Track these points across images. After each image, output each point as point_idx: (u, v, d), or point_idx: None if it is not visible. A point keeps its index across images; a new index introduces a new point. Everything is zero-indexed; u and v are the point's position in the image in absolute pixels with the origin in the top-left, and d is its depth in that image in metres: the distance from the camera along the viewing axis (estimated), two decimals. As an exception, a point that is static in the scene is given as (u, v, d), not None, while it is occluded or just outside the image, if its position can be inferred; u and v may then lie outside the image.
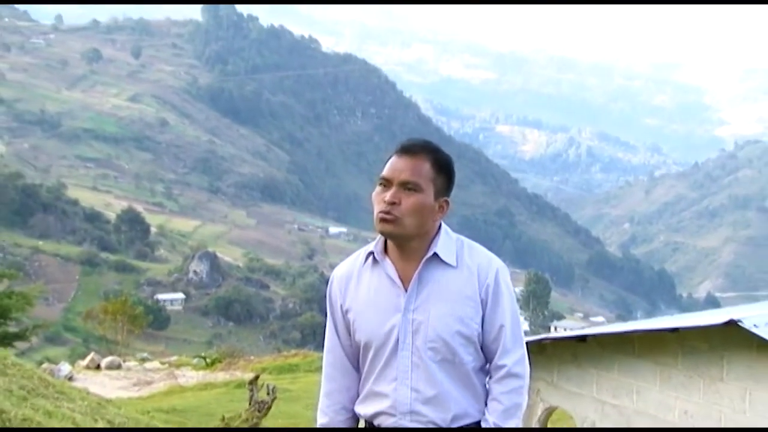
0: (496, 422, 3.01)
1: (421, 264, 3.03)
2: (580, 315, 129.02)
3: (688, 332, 7.25)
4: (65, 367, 26.89)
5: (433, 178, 3.03)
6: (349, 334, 3.18)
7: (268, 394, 14.81)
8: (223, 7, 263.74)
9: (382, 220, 2.97)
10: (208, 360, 32.69)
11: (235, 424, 14.01)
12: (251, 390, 14.91)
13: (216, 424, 14.46)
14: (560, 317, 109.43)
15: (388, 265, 3.08)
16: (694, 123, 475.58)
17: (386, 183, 3.01)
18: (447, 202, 3.10)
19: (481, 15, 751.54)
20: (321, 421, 3.26)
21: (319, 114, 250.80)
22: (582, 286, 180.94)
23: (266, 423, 14.52)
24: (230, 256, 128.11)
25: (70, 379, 22.89)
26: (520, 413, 3.09)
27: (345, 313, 3.17)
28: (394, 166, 3.03)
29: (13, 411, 7.08)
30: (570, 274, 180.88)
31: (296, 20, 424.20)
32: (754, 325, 6.39)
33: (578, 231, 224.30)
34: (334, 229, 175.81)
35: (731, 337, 6.74)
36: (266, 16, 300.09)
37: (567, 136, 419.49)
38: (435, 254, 3.03)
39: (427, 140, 3.15)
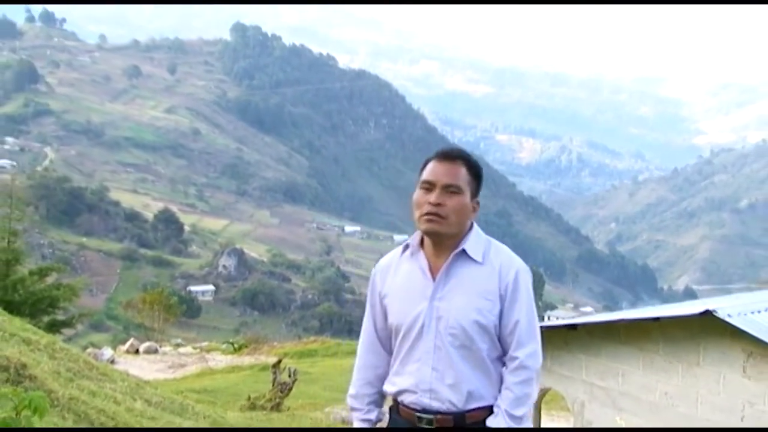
0: (507, 409, 3.00)
1: (450, 258, 3.07)
2: (571, 305, 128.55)
3: (668, 321, 7.24)
4: (107, 352, 26.94)
5: (469, 181, 3.09)
6: (385, 319, 3.24)
7: (289, 376, 14.84)
8: (249, 28, 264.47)
9: (429, 221, 3.01)
10: (235, 345, 32.71)
11: (260, 404, 14.02)
12: (274, 373, 14.93)
13: (243, 403, 14.49)
14: (553, 307, 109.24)
15: (422, 257, 3.12)
16: (674, 132, 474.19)
17: (429, 186, 3.05)
18: (478, 203, 3.16)
19: (482, 34, 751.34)
20: (350, 393, 3.34)
21: (336, 124, 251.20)
22: (573, 280, 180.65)
23: (288, 402, 14.55)
24: (255, 252, 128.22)
25: (112, 362, 22.92)
26: (530, 402, 3.08)
27: (382, 299, 3.24)
28: (435, 170, 3.07)
29: (61, 391, 7.10)
30: (562, 269, 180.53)
31: (315, 39, 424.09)
32: (728, 315, 6.38)
33: (569, 230, 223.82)
34: (349, 228, 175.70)
35: (707, 326, 6.73)
36: (288, 35, 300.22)
37: (559, 144, 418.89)
38: (463, 250, 3.07)
39: (461, 148, 3.22)
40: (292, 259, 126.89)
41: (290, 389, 14.63)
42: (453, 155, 3.11)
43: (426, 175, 3.08)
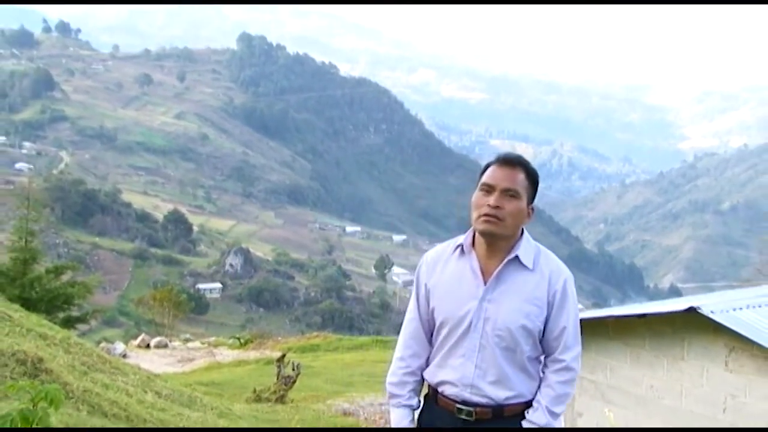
0: (547, 406, 3.05)
1: (503, 263, 3.06)
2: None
3: (654, 318, 7.25)
4: (120, 346, 26.92)
5: (527, 187, 3.08)
6: (429, 310, 3.20)
7: (293, 370, 14.84)
8: (255, 38, 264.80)
9: (487, 221, 3.00)
10: (241, 340, 32.76)
11: (265, 396, 14.03)
12: (279, 366, 14.94)
13: (249, 395, 14.49)
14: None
15: (473, 258, 3.11)
16: (660, 138, 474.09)
17: (489, 189, 3.05)
18: (533, 209, 3.14)
19: (477, 44, 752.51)
20: (390, 380, 3.30)
21: (337, 129, 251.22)
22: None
23: (291, 395, 14.55)
24: (261, 251, 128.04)
25: (124, 356, 22.93)
26: (568, 401, 3.13)
27: (427, 291, 3.20)
28: (495, 174, 3.07)
29: (76, 383, 7.11)
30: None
31: (318, 49, 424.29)
32: (711, 312, 6.39)
33: (560, 230, 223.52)
34: (350, 228, 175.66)
35: (691, 322, 6.74)
36: (292, 45, 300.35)
37: (551, 148, 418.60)
38: (516, 256, 3.06)
39: (520, 155, 3.20)
40: (295, 258, 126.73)
41: (294, 382, 14.64)
42: (513, 161, 3.11)
43: (486, 178, 3.08)
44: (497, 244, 3.06)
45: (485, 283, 3.06)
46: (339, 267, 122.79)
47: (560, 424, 3.13)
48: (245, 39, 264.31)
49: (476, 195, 3.09)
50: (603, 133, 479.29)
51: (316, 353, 28.36)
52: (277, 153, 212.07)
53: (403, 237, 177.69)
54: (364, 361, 24.47)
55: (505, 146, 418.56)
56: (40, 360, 7.06)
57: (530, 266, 3.07)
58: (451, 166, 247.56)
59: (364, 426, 12.27)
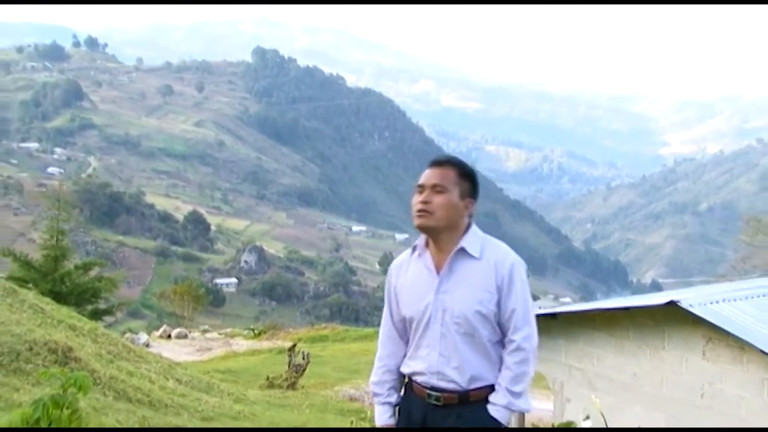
0: (507, 386, 3.06)
1: (450, 255, 3.09)
2: (552, 297, 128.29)
3: (637, 311, 7.24)
4: (143, 336, 26.97)
5: (458, 182, 3.10)
6: (399, 310, 3.26)
7: (303, 358, 14.85)
8: (268, 51, 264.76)
9: (419, 216, 3.07)
10: (255, 331, 32.77)
11: (277, 383, 14.03)
12: (290, 355, 14.95)
13: (262, 382, 14.50)
14: (536, 298, 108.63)
15: (428, 256, 3.15)
16: (643, 144, 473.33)
17: (421, 188, 3.11)
18: (472, 203, 3.15)
19: (474, 57, 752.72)
20: (372, 380, 3.37)
21: (344, 136, 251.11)
22: (553, 274, 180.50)
23: (301, 382, 14.55)
24: (273, 249, 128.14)
25: (147, 345, 22.95)
26: (527, 379, 3.12)
27: (396, 294, 3.26)
28: (426, 175, 3.13)
29: (103, 370, 7.12)
30: (544, 264, 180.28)
31: (326, 61, 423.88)
32: (690, 305, 6.39)
33: (551, 230, 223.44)
34: (356, 228, 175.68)
35: (671, 315, 6.74)
36: (302, 58, 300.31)
37: (542, 154, 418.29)
38: (462, 248, 3.09)
39: (452, 155, 3.25)
40: (305, 256, 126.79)
41: (304, 370, 14.65)
42: (442, 161, 3.16)
43: (419, 179, 3.14)
44: (440, 238, 3.10)
45: (439, 277, 3.11)
46: (346, 263, 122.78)
47: (526, 402, 3.11)
48: (259, 52, 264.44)
49: (413, 196, 3.15)
50: (590, 140, 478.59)
51: (324, 343, 28.39)
52: (288, 158, 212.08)
53: (405, 236, 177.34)
54: (369, 350, 24.41)
55: (499, 152, 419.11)
56: (70, 349, 7.07)
57: (477, 255, 3.08)
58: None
59: (369, 411, 12.27)
